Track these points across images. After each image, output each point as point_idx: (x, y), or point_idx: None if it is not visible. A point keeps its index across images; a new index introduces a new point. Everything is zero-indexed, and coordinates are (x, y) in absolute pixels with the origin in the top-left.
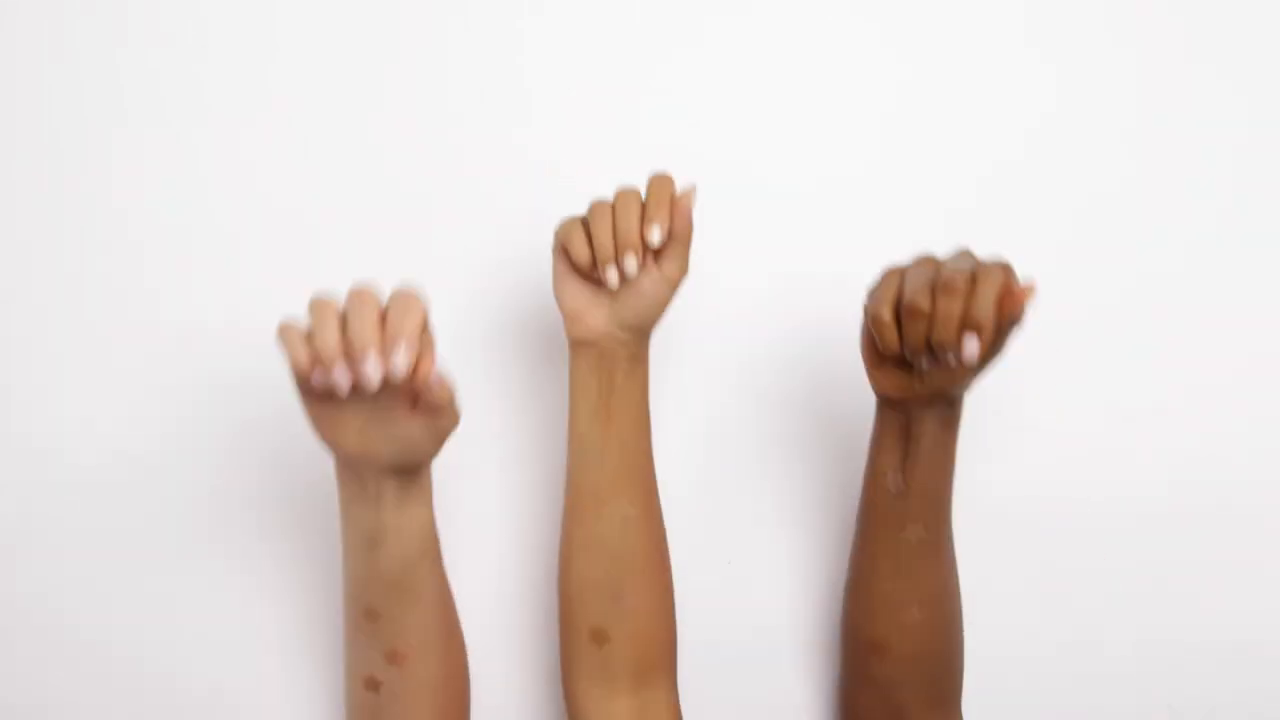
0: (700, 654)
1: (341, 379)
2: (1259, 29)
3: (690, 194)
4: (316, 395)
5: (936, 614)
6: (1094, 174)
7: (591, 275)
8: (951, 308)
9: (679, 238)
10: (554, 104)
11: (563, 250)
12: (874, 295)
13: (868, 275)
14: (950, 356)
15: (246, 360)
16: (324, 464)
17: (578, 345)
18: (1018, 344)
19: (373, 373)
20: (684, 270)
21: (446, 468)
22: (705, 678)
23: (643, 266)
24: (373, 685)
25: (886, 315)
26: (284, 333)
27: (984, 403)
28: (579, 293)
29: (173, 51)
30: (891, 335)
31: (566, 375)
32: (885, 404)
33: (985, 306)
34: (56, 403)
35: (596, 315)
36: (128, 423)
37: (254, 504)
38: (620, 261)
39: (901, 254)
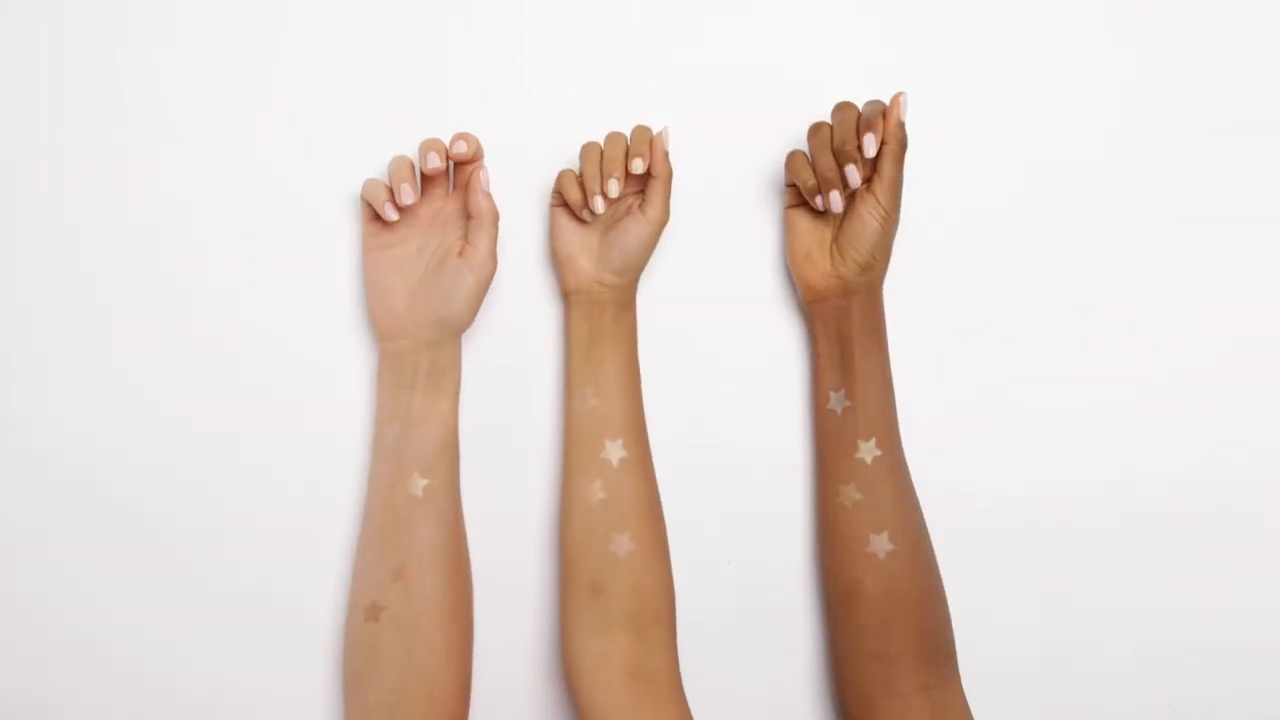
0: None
1: (407, 194)
2: (1258, 30)
3: (664, 133)
4: (383, 242)
5: (907, 542)
6: (1094, 173)
7: (581, 215)
8: (846, 116)
9: (659, 177)
10: (554, 103)
11: (557, 196)
12: (786, 160)
13: None
14: (854, 171)
15: (248, 359)
16: (325, 463)
17: (570, 295)
18: (1017, 342)
19: (435, 160)
20: (665, 213)
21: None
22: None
23: (629, 205)
24: (374, 614)
25: (798, 157)
26: (366, 183)
27: (982, 402)
28: (570, 239)
29: (173, 51)
30: (805, 166)
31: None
32: (814, 314)
33: (873, 113)
34: (56, 403)
35: (586, 261)
36: (128, 423)
37: (255, 504)
38: (605, 186)
39: (901, 255)
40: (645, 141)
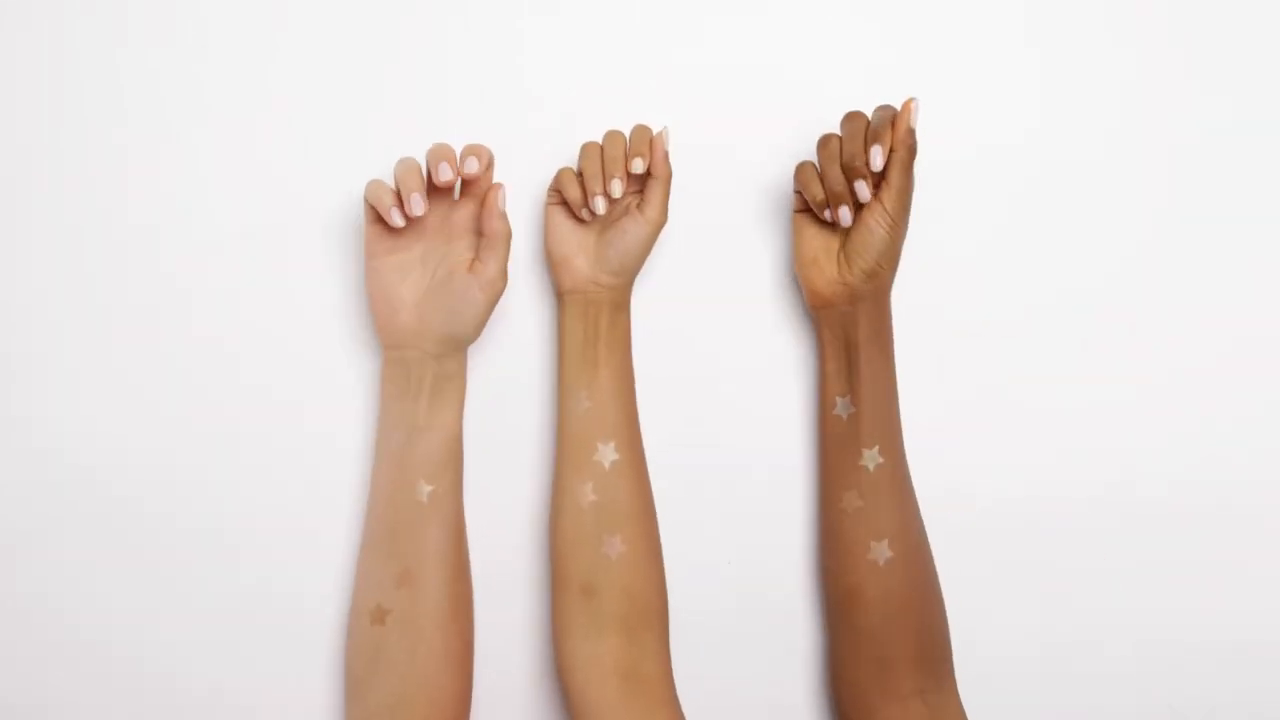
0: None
1: (417, 204)
2: (1258, 30)
3: (664, 134)
4: (387, 248)
5: (906, 549)
6: (1094, 173)
7: (580, 215)
8: (855, 127)
9: (659, 178)
10: (554, 103)
11: (555, 195)
12: (795, 171)
13: None
14: (863, 186)
15: (249, 360)
16: (325, 463)
17: (564, 295)
18: (1017, 342)
19: (447, 172)
20: (663, 214)
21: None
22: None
23: (627, 205)
24: (379, 617)
25: (808, 169)
26: (370, 184)
27: (982, 402)
28: (567, 238)
29: (173, 51)
30: (814, 179)
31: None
32: (820, 319)
33: (882, 121)
34: (56, 403)
35: (582, 261)
36: (128, 423)
37: (255, 504)
38: (607, 186)
39: (901, 255)
40: (645, 141)
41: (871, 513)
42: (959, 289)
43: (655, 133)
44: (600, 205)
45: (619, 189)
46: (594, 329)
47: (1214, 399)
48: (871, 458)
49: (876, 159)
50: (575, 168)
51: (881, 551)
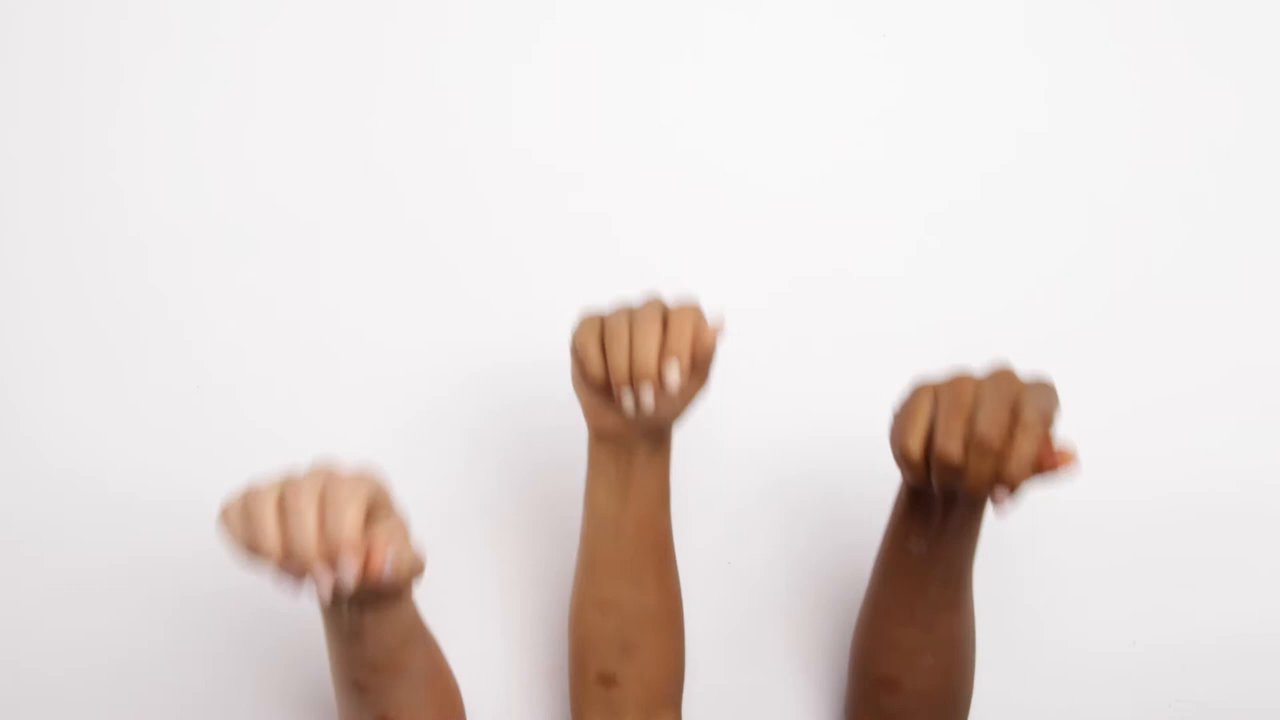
0: (707, 689)
1: (324, 588)
2: (1257, 30)
3: (718, 330)
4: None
5: (951, 658)
6: (1094, 174)
7: (606, 389)
8: (985, 466)
9: (700, 365)
10: (555, 106)
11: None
12: (901, 422)
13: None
14: (1001, 492)
15: (247, 362)
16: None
17: (597, 435)
18: (1017, 342)
19: (324, 592)
20: (703, 385)
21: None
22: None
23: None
24: None
25: (916, 451)
26: (225, 517)
27: None
28: (595, 393)
29: (173, 51)
30: (921, 476)
31: (582, 437)
32: (909, 479)
33: (1022, 467)
34: (56, 403)
35: (615, 417)
36: (128, 424)
37: None
38: (636, 391)
39: (899, 255)
40: (686, 331)
41: (923, 631)
42: (960, 289)
43: (708, 323)
44: (629, 407)
45: (651, 401)
46: (627, 467)
47: (1214, 400)
48: (936, 592)
49: (1005, 508)
50: (598, 318)
51: (923, 658)
